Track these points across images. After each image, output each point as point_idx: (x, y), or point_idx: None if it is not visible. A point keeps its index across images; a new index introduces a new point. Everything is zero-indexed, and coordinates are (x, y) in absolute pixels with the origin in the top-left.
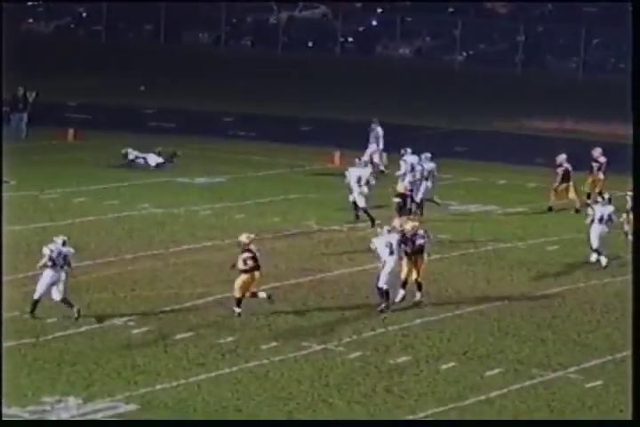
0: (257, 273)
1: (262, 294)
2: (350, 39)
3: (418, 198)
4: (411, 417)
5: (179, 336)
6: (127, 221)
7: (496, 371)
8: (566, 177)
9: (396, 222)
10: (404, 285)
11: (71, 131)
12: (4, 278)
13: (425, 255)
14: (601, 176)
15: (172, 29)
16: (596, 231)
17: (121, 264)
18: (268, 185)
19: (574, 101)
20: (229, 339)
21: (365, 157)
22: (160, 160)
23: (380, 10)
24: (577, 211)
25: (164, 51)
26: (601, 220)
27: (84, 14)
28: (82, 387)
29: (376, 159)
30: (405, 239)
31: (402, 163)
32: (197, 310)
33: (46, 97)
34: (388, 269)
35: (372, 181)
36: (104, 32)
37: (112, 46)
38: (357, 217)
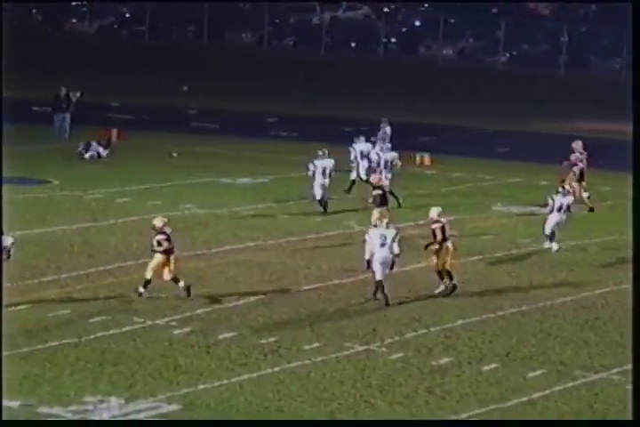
0: (172, 256)
1: (182, 284)
2: (393, 40)
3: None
4: (453, 418)
5: (221, 336)
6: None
7: (538, 372)
8: (582, 176)
9: (376, 214)
10: (441, 276)
11: (114, 131)
12: (47, 279)
13: (449, 244)
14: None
15: (215, 29)
16: (553, 219)
17: None
18: (310, 186)
19: (618, 102)
20: (271, 339)
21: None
22: (100, 149)
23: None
24: (591, 209)
25: (206, 51)
26: (560, 209)
27: (128, 14)
28: (124, 387)
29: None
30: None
31: (350, 150)
32: (240, 310)
33: (89, 97)
34: (378, 260)
35: (333, 173)
36: (147, 32)
37: (155, 46)
38: (325, 209)
